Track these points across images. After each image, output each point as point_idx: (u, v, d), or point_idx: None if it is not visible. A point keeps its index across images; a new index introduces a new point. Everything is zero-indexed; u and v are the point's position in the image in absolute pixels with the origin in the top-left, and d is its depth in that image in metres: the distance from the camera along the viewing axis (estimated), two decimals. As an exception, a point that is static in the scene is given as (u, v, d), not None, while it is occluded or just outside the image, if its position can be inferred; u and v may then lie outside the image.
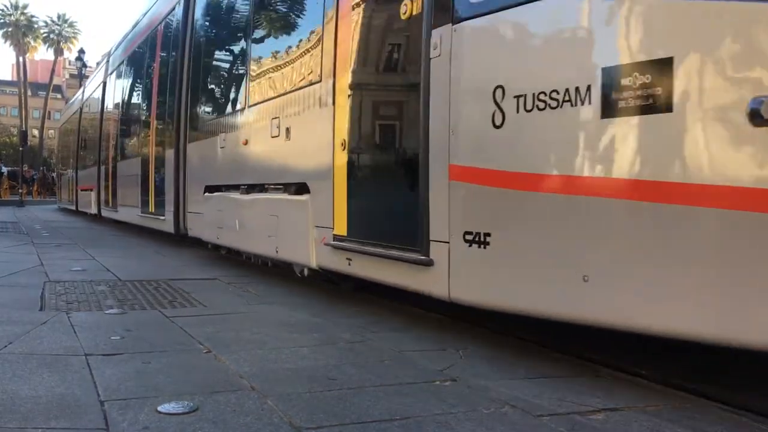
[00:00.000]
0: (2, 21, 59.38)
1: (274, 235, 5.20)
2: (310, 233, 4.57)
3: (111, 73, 13.71)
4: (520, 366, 2.96)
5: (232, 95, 6.84)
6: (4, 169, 31.13)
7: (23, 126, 48.30)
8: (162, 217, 8.52)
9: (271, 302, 4.59)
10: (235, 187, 6.15)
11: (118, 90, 12.96)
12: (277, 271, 6.09)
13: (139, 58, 11.19)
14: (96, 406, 2.29)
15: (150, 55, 10.20)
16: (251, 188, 5.84)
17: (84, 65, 31.13)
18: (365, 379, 2.69)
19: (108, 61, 14.27)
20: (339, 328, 3.68)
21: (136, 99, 11.59)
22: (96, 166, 14.48)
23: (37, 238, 9.73)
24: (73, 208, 18.62)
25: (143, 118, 10.44)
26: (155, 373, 2.71)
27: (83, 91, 19.48)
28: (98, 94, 15.04)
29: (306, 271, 4.88)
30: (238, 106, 6.27)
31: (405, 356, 3.08)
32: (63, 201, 22.41)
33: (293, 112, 4.97)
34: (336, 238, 4.25)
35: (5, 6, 59.31)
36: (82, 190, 17.22)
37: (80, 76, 29.45)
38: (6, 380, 2.56)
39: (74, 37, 62.12)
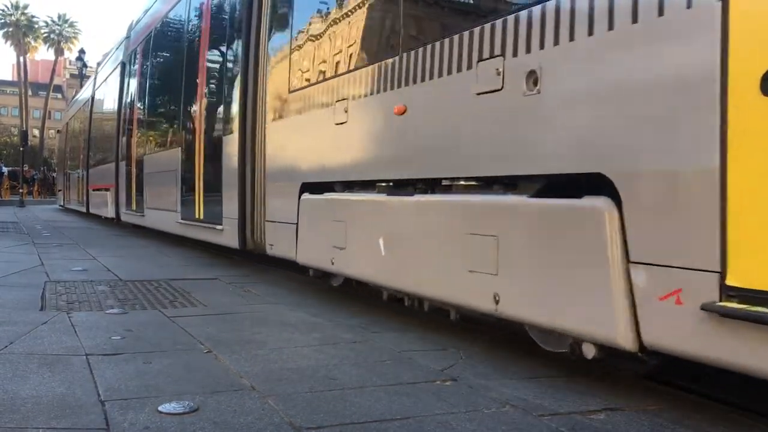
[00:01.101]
0: (3, 21, 59.49)
1: (487, 272, 3.00)
2: (618, 278, 2.38)
3: (133, 51, 11.40)
4: (520, 366, 2.96)
5: (365, 38, 4.28)
6: (5, 169, 31.16)
7: (24, 126, 48.40)
8: (217, 227, 6.41)
9: (271, 302, 4.59)
10: (370, 185, 4.11)
11: (144, 69, 10.67)
12: (277, 272, 6.09)
13: (174, 23, 9.18)
14: (97, 406, 2.30)
15: (194, 11, 8.11)
16: (407, 186, 3.74)
17: (84, 65, 31.18)
18: (366, 379, 2.69)
19: (128, 38, 12.12)
20: (340, 328, 3.69)
21: (171, 76, 9.05)
22: (114, 162, 12.33)
23: (38, 238, 9.73)
24: (84, 210, 16.64)
25: (184, 97, 8.25)
26: (156, 373, 2.71)
27: (94, 79, 17.16)
28: (115, 79, 12.97)
29: (595, 352, 2.58)
30: (383, 55, 3.89)
31: (406, 356, 3.08)
32: (71, 202, 20.30)
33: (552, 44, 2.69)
34: (734, 294, 2.03)
35: (6, 6, 59.51)
36: (94, 190, 15.25)
37: (81, 76, 29.51)
38: (7, 380, 2.56)
39: (75, 37, 62.28)
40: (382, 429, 2.13)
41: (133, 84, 11.43)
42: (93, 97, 16.29)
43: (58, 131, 29.47)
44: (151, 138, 10.18)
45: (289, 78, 5.14)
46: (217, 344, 3.23)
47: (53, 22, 61.84)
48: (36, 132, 61.59)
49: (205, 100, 7.38)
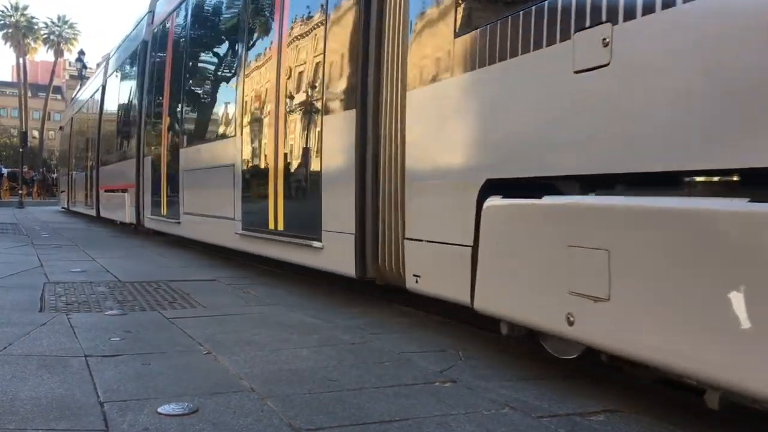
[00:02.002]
0: (2, 22, 59.52)
1: None
2: None
3: (161, 26, 9.51)
4: (520, 367, 2.96)
5: None
6: (4, 171, 31.17)
7: (23, 127, 48.37)
8: (314, 243, 4.59)
9: (270, 303, 4.58)
10: (607, 182, 2.47)
11: (179, 42, 8.64)
12: (276, 272, 6.09)
13: None
14: (96, 407, 2.29)
15: None
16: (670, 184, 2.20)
17: (84, 66, 31.17)
18: (365, 380, 2.69)
19: (152, 12, 10.32)
20: (339, 330, 3.68)
21: (223, 40, 7.45)
22: (135, 158, 10.42)
23: (37, 240, 9.73)
24: (93, 213, 14.76)
25: (245, 68, 6.21)
26: (155, 374, 2.71)
27: (106, 66, 14.97)
28: (134, 62, 11.19)
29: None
30: None
31: (405, 357, 3.08)
32: (76, 204, 18.40)
33: None
34: None
35: (5, 7, 59.56)
36: (106, 191, 13.33)
37: (80, 77, 29.49)
38: (6, 381, 2.56)
39: (74, 39, 62.31)
40: (382, 430, 2.13)
41: (160, 64, 9.40)
42: (104, 87, 14.39)
43: (61, 128, 27.70)
44: (191, 126, 8.16)
45: (455, 14, 3.33)
46: (217, 345, 3.23)
47: (53, 23, 61.91)
48: (36, 133, 61.60)
49: (287, 69, 5.23)
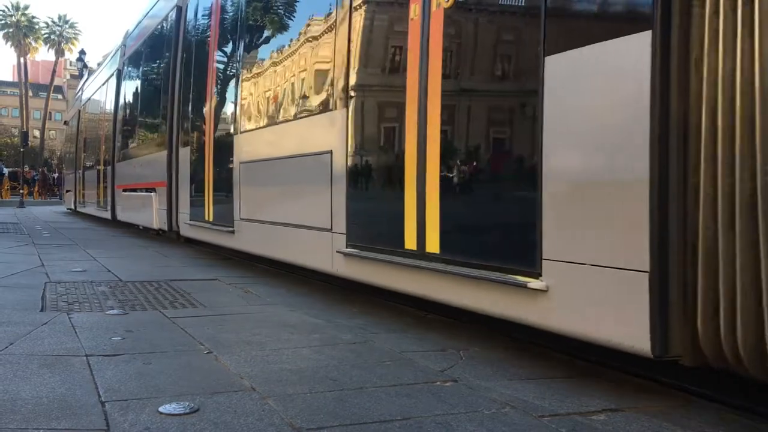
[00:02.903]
0: (3, 22, 59.57)
1: None
2: None
3: None
4: (520, 367, 2.96)
5: None
6: (5, 170, 31.17)
7: (24, 127, 48.49)
8: (527, 281, 2.75)
9: (271, 303, 4.59)
10: None
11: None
12: (277, 272, 6.09)
13: None
14: (97, 406, 2.30)
15: None
16: None
17: (85, 66, 31.15)
18: (366, 379, 2.69)
19: None
20: (339, 329, 3.69)
21: None
22: (167, 149, 8.54)
23: (38, 239, 9.73)
24: (107, 216, 13.00)
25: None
26: (156, 373, 2.72)
27: (123, 47, 12.71)
28: (161, 37, 9.44)
29: None
30: None
31: (405, 357, 3.09)
32: (85, 205, 16.53)
33: None
34: None
35: (6, 7, 59.64)
36: (125, 191, 11.49)
37: (81, 77, 29.47)
38: (7, 381, 2.56)
39: (75, 38, 62.40)
40: (383, 430, 2.13)
41: (202, 28, 7.70)
42: (121, 71, 12.50)
43: (65, 122, 25.73)
44: (253, 103, 6.12)
45: None
46: (217, 345, 3.23)
47: (54, 23, 61.98)
48: (36, 133, 61.67)
49: None
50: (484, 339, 3.47)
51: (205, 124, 7.26)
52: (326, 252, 4.38)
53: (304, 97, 5.08)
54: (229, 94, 6.67)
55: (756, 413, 2.34)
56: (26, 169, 30.66)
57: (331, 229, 4.34)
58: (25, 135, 29.48)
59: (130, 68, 12.04)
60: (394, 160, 3.81)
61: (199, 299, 4.62)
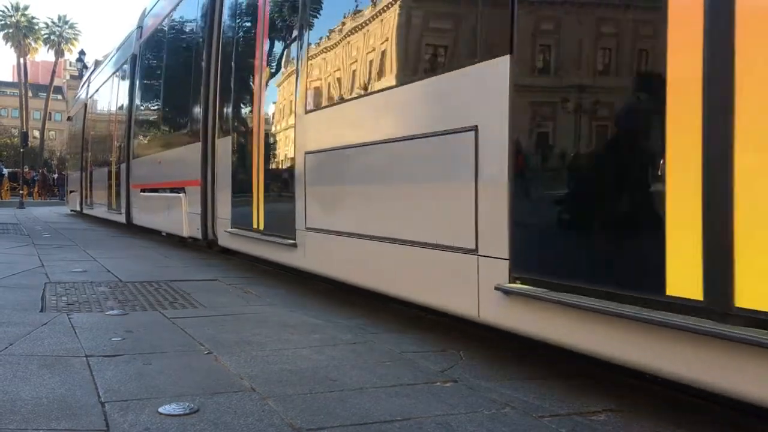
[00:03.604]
0: (3, 22, 59.58)
1: None
2: None
3: None
4: (520, 367, 2.96)
5: None
6: (5, 171, 31.17)
7: (24, 127, 48.46)
8: None
9: (271, 303, 4.58)
10: None
11: None
12: (277, 273, 6.09)
13: None
14: (97, 407, 2.30)
15: None
16: None
17: (85, 66, 31.13)
18: (366, 380, 2.69)
19: None
20: (339, 329, 3.68)
21: None
22: (201, 141, 7.05)
23: (38, 240, 9.74)
24: (122, 220, 11.42)
25: None
26: (156, 374, 2.72)
27: (140, 29, 11.05)
28: (191, 9, 8.05)
29: None
30: None
31: (405, 357, 3.09)
32: (93, 206, 15.04)
33: None
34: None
35: (6, 7, 59.63)
36: (144, 191, 10.05)
37: (81, 77, 29.48)
38: (7, 381, 2.56)
39: (75, 39, 62.37)
40: (383, 430, 2.13)
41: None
42: (136, 56, 11.00)
43: (69, 118, 23.44)
44: (327, 73, 4.48)
45: None
46: (217, 345, 3.23)
47: (53, 23, 61.96)
48: (36, 133, 61.69)
49: None
50: (484, 340, 3.47)
51: (252, 104, 5.78)
52: (467, 287, 2.94)
53: (426, 47, 3.58)
54: (290, 61, 5.12)
55: (756, 415, 2.34)
56: (26, 169, 30.65)
57: (477, 250, 2.88)
58: (24, 135, 29.51)
59: (148, 52, 10.54)
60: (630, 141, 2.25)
61: (199, 300, 4.62)
